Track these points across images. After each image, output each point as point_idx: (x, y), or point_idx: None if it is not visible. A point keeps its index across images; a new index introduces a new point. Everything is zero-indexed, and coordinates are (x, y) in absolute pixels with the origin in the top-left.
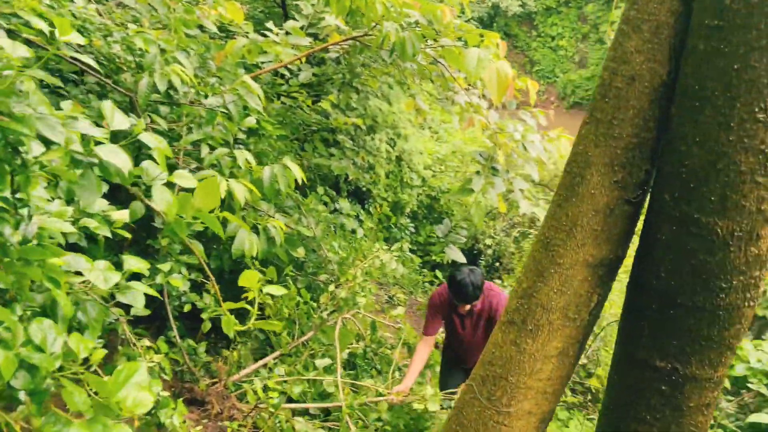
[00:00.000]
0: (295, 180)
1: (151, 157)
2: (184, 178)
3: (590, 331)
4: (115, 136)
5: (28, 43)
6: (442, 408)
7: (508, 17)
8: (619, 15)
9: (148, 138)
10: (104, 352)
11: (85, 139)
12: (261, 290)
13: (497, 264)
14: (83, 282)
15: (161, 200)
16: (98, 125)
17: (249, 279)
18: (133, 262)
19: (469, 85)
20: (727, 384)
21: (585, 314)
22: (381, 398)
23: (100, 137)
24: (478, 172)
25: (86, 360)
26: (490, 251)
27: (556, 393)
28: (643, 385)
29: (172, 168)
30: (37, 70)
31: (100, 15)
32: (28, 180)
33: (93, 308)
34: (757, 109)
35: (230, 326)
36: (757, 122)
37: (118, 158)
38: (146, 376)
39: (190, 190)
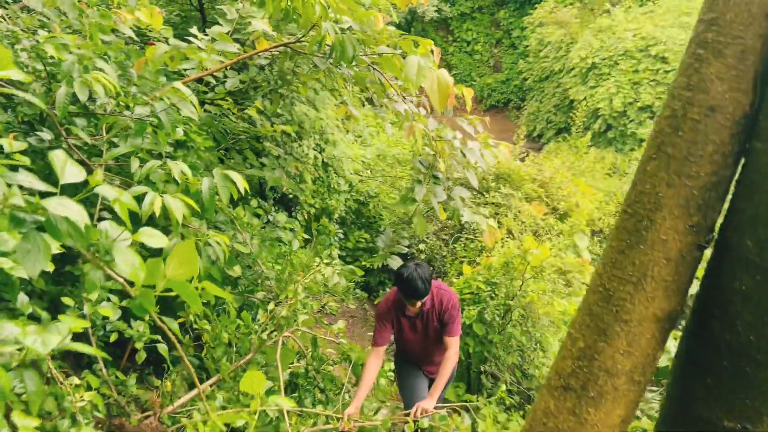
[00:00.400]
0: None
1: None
2: (152, 237)
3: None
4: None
5: None
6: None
7: (425, 22)
8: (530, 20)
9: (106, 190)
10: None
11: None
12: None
13: (430, 268)
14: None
15: (126, 265)
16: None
17: (252, 384)
18: (69, 322)
19: (404, 91)
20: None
21: (649, 375)
22: (330, 428)
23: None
24: (419, 181)
25: None
26: (423, 256)
27: None
28: None
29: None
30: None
31: (5, 20)
32: None
33: (32, 380)
34: None
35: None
36: None
37: (72, 212)
38: None
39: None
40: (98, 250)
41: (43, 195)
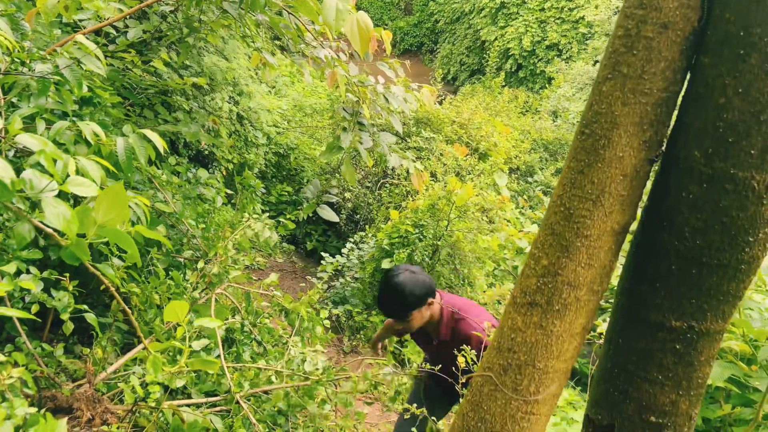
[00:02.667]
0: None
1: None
2: (81, 185)
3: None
4: None
5: None
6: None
7: None
8: None
9: (28, 140)
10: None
11: None
12: (123, 280)
13: (357, 216)
14: None
15: (56, 216)
16: None
17: (175, 312)
18: None
19: (321, 35)
20: None
21: (606, 285)
22: (275, 387)
23: None
24: (344, 129)
25: None
26: (349, 205)
27: (571, 369)
28: (657, 347)
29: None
30: None
31: None
32: None
33: None
34: None
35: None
36: None
37: None
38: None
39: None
40: (23, 203)
41: None
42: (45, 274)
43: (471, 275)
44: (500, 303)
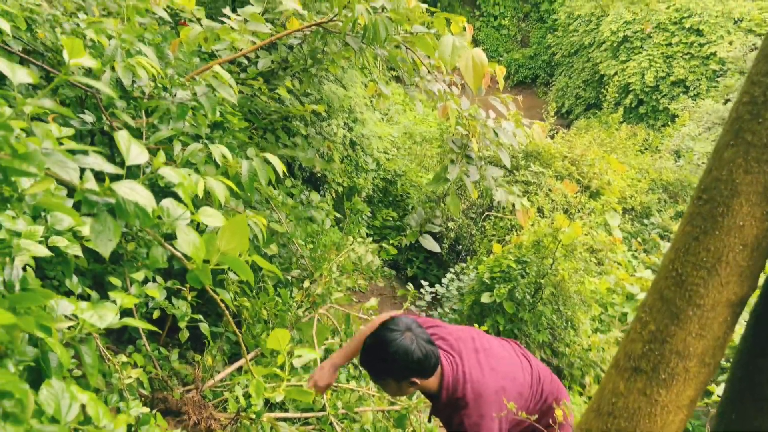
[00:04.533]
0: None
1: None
2: (211, 216)
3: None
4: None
5: None
6: None
7: None
8: None
9: (169, 173)
10: (128, 418)
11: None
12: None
13: (459, 247)
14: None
15: (186, 243)
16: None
17: (278, 340)
18: (120, 299)
19: (435, 69)
20: None
21: (719, 357)
22: (365, 408)
23: (114, 173)
24: (452, 161)
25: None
26: (452, 234)
27: None
28: None
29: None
30: (45, 100)
31: (49, 3)
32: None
33: (88, 354)
34: None
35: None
36: None
37: (140, 196)
38: None
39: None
40: (158, 228)
41: (111, 178)
42: (168, 283)
43: (575, 318)
44: (604, 350)
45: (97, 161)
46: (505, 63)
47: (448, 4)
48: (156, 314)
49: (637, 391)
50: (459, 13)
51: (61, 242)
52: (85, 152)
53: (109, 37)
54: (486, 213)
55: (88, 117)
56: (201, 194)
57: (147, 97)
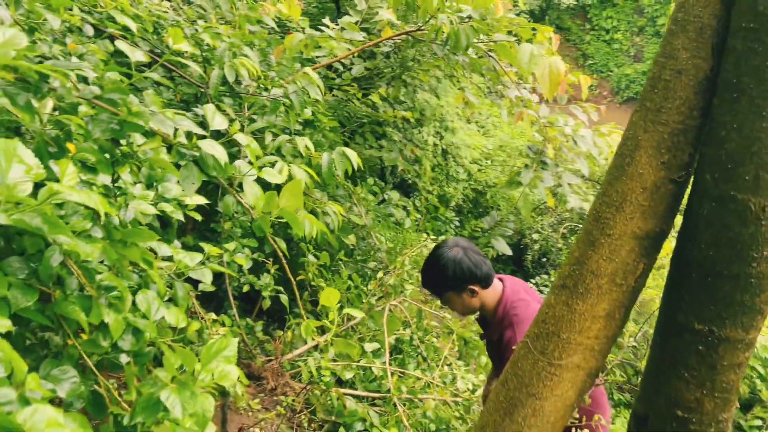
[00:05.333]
0: (346, 170)
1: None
2: (271, 174)
3: (635, 298)
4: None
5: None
6: None
7: (561, 10)
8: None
9: (241, 138)
10: (198, 324)
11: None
12: (314, 274)
13: (543, 260)
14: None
15: (251, 195)
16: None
17: (329, 298)
18: (208, 248)
19: (520, 78)
20: None
21: (631, 281)
22: (427, 396)
23: (200, 134)
24: (527, 166)
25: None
26: (536, 246)
27: (603, 352)
28: (683, 347)
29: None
30: (153, 73)
31: (175, 11)
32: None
33: (181, 288)
34: None
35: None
36: None
37: (217, 151)
38: (235, 351)
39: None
40: (231, 183)
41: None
42: (255, 255)
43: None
44: None
45: (189, 123)
46: (615, 78)
47: (557, 16)
48: (245, 288)
49: (561, 303)
50: (568, 26)
51: (167, 207)
52: (182, 116)
53: (221, 41)
54: (576, 226)
55: (200, 111)
56: (284, 178)
57: (250, 94)
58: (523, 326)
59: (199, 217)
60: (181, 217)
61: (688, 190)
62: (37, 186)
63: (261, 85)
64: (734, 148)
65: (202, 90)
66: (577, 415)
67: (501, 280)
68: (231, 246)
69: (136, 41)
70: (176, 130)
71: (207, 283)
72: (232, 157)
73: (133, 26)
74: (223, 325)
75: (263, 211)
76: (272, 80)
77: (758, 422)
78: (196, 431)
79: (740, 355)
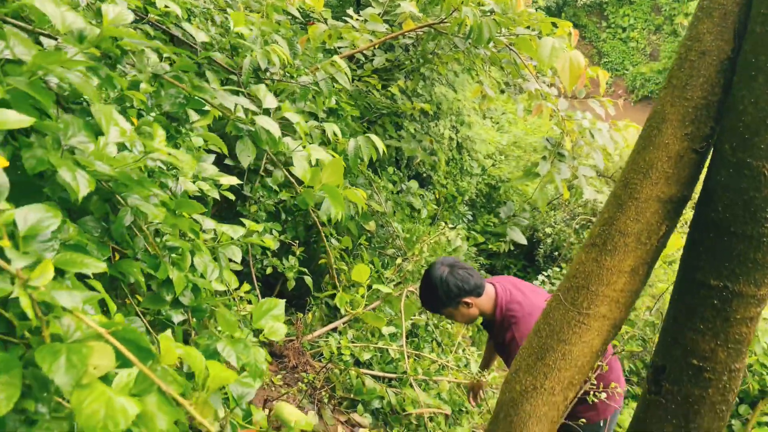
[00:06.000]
0: (369, 158)
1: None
2: (317, 151)
3: (657, 257)
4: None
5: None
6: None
7: (577, 7)
8: (695, 7)
9: (291, 116)
10: (250, 286)
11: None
12: (337, 258)
13: (556, 254)
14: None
15: (300, 168)
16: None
17: (361, 273)
18: (249, 223)
19: (539, 72)
20: None
21: (654, 240)
22: (442, 378)
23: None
24: (544, 157)
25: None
26: (549, 240)
27: (627, 304)
28: (699, 301)
29: None
30: (215, 53)
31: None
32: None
33: (223, 259)
34: None
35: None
36: None
37: (272, 126)
38: (283, 311)
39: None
40: (280, 159)
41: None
42: (282, 237)
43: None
44: None
45: (245, 101)
46: (630, 77)
47: (573, 14)
48: (269, 270)
49: (591, 259)
50: (584, 23)
51: (204, 186)
52: (236, 94)
53: (250, 30)
54: (584, 218)
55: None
56: (313, 163)
57: (278, 80)
58: (521, 326)
59: (232, 197)
60: (217, 196)
61: (708, 160)
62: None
63: (287, 73)
64: (750, 120)
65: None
66: (595, 382)
67: (493, 284)
68: (259, 227)
69: (169, 27)
70: (235, 105)
71: (237, 261)
72: None
73: (177, 9)
74: (249, 302)
75: (307, 185)
76: (298, 68)
77: (766, 418)
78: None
79: (752, 310)
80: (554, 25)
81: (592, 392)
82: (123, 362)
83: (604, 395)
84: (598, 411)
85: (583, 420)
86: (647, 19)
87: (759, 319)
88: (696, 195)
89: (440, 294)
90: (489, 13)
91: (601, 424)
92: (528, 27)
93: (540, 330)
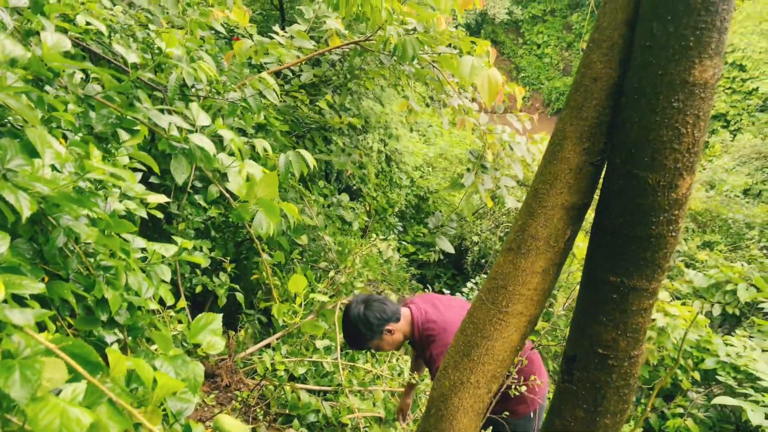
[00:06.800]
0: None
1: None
2: (251, 166)
3: (565, 258)
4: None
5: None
6: None
7: (496, 24)
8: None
9: (225, 132)
10: (184, 304)
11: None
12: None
13: (483, 261)
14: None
15: (235, 183)
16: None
17: (297, 283)
18: (181, 240)
19: (461, 88)
20: (696, 375)
21: (561, 243)
22: (377, 387)
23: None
24: (468, 169)
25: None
26: (476, 248)
27: (540, 301)
28: (601, 296)
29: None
30: (143, 72)
31: (124, 14)
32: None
33: (154, 278)
34: (672, 100)
35: (280, 312)
36: (672, 108)
37: (206, 144)
38: (220, 325)
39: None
40: (213, 175)
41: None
42: (212, 254)
43: None
44: None
45: (178, 119)
46: (546, 91)
47: (492, 30)
48: (198, 288)
49: (508, 262)
50: (502, 40)
51: (131, 205)
52: (163, 112)
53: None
54: (506, 225)
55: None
56: (244, 178)
57: (204, 97)
58: (438, 342)
59: (160, 215)
60: (144, 214)
61: (603, 172)
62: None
63: (214, 89)
64: (635, 137)
65: (155, 91)
66: (516, 376)
67: (409, 306)
68: (189, 244)
69: (89, 44)
70: (169, 124)
71: (166, 280)
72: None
73: (103, 28)
74: (180, 322)
75: (242, 199)
76: (225, 84)
77: (680, 410)
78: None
79: (646, 302)
80: (473, 43)
81: (513, 386)
82: (73, 376)
83: (524, 388)
84: (528, 403)
85: (508, 413)
86: (560, 37)
87: (652, 310)
88: (595, 202)
89: (363, 330)
90: (412, 32)
91: (531, 416)
92: (450, 45)
93: (465, 328)
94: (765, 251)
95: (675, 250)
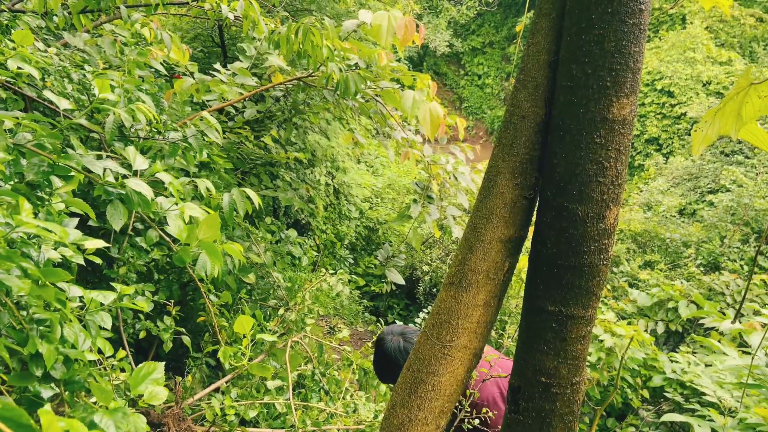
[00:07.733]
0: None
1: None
2: (191, 209)
3: (505, 290)
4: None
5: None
6: None
7: (437, 57)
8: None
9: (163, 176)
10: (125, 353)
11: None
12: (218, 314)
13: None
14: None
15: (175, 227)
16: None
17: (243, 324)
18: (120, 286)
19: (404, 121)
20: (645, 393)
21: (500, 276)
22: (331, 426)
23: (124, 173)
24: (414, 200)
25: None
26: (427, 278)
27: (483, 334)
28: (541, 325)
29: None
30: (82, 119)
31: (57, 56)
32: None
33: (93, 327)
34: (595, 136)
35: (226, 356)
36: (595, 144)
37: (143, 188)
38: (162, 374)
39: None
40: (153, 218)
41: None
42: (156, 297)
43: None
44: None
45: (113, 164)
46: (488, 120)
47: (434, 62)
48: (142, 334)
49: (450, 296)
50: (444, 72)
51: (67, 252)
52: (99, 157)
53: (112, 88)
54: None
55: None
56: (187, 219)
57: (144, 138)
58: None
59: (99, 261)
60: (81, 261)
61: (537, 205)
62: None
63: (154, 129)
64: (563, 171)
65: (90, 134)
66: (469, 410)
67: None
68: (130, 290)
69: (21, 87)
70: (104, 170)
71: (107, 328)
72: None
73: (35, 73)
74: (122, 370)
75: (184, 242)
76: (165, 124)
77: (632, 429)
78: None
79: (583, 329)
80: (414, 78)
81: (466, 419)
82: None
83: (477, 422)
84: None
85: None
86: (499, 68)
87: (590, 337)
88: (531, 234)
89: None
90: (354, 67)
91: None
92: (393, 79)
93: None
94: (702, 268)
95: (606, 278)
